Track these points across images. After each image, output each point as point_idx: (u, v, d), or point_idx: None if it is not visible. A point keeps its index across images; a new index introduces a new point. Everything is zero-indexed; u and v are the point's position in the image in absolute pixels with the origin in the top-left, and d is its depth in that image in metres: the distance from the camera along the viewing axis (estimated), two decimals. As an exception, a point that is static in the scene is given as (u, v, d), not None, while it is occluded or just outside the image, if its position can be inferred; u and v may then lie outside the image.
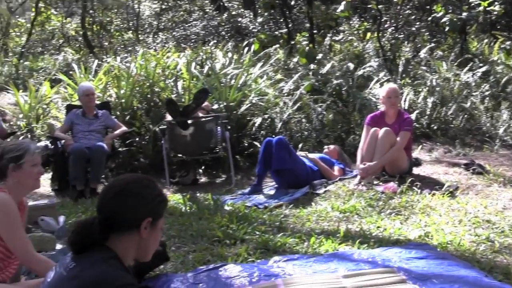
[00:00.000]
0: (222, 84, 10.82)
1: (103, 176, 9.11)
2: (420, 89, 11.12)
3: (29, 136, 11.20)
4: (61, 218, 6.43)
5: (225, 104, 10.36)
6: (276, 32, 17.15)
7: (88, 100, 9.12)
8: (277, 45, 14.74)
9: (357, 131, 9.97)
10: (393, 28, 15.54)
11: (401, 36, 15.28)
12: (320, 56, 12.81)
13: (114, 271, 2.40)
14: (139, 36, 22.72)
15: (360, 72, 11.49)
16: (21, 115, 12.16)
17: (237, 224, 6.17)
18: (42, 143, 9.81)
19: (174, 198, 7.73)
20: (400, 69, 11.94)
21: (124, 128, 9.36)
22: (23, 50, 22.10)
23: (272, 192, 8.04)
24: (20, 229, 3.86)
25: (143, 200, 2.61)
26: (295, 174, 7.97)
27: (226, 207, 7.14)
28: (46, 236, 5.66)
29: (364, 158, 7.95)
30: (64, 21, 23.69)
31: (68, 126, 9.25)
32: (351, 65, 11.91)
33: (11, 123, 12.34)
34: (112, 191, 2.65)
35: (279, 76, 11.86)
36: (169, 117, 9.24)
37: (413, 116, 9.45)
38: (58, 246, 5.63)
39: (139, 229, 2.59)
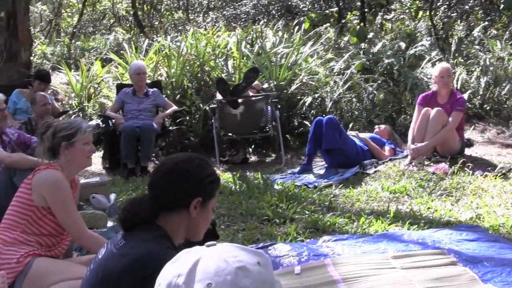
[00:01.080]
0: (272, 63, 10.81)
1: (154, 154, 9.19)
2: (473, 69, 10.92)
3: (80, 115, 11.35)
4: (112, 196, 6.52)
5: (275, 83, 10.35)
6: (327, 11, 17.04)
7: (139, 78, 9.16)
8: (328, 24, 14.64)
9: (408, 111, 9.88)
10: (445, 6, 15.29)
11: (454, 14, 15.02)
12: (371, 35, 12.68)
13: (163, 250, 2.41)
14: (189, 15, 22.75)
15: (411, 51, 11.34)
16: (73, 94, 12.33)
17: (286, 203, 6.19)
18: (93, 122, 9.92)
19: (224, 176, 7.76)
20: (453, 48, 11.74)
21: (174, 107, 9.42)
22: (74, 30, 22.34)
23: (322, 171, 8.03)
24: (72, 207, 3.92)
25: (193, 179, 2.60)
26: (345, 154, 7.95)
27: (276, 186, 7.17)
28: (98, 213, 5.76)
29: (415, 138, 7.87)
30: (115, 1, 23.83)
31: (119, 105, 9.34)
32: (403, 44, 11.76)
33: (63, 102, 12.52)
34: (163, 170, 2.66)
35: (329, 55, 11.78)
36: (219, 96, 9.27)
37: (465, 96, 9.29)
38: (109, 224, 5.73)
39: (189, 208, 2.59)
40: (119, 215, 2.67)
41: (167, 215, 2.59)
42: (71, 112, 11.39)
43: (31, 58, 14.79)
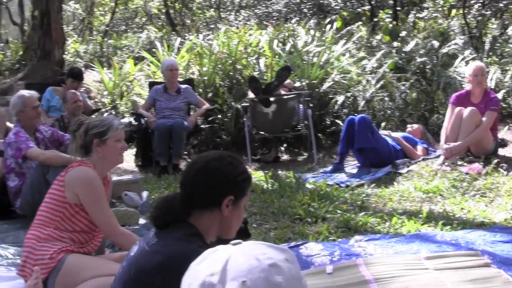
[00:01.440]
0: (304, 62, 10.80)
1: (186, 152, 9.21)
2: (507, 68, 10.79)
3: (113, 112, 11.42)
4: (144, 194, 6.56)
5: (307, 81, 10.33)
6: (359, 9, 16.96)
7: (172, 75, 9.16)
8: (360, 22, 14.57)
9: (441, 110, 9.78)
10: (479, 4, 15.12)
11: (488, 12, 14.83)
12: (403, 33, 12.59)
13: (194, 248, 2.39)
14: (221, 13, 22.78)
15: (444, 50, 11.24)
16: (105, 92, 12.42)
17: (318, 202, 6.17)
18: (125, 120, 9.99)
19: (256, 175, 7.76)
20: (487, 47, 11.60)
21: (207, 105, 9.43)
22: (107, 28, 22.51)
23: (354, 171, 8.01)
24: (104, 203, 3.94)
25: (225, 178, 2.60)
26: (378, 153, 7.91)
27: (308, 185, 7.14)
28: (130, 210, 5.80)
29: (448, 138, 7.82)
30: (147, -1, 23.96)
31: (150, 103, 9.36)
32: (436, 43, 11.66)
33: (96, 100, 12.61)
34: (194, 168, 2.66)
35: (361, 54, 11.72)
36: (251, 95, 9.27)
37: (499, 95, 9.18)
38: (141, 221, 5.76)
39: (221, 206, 2.58)
40: (151, 213, 2.68)
41: (199, 214, 2.58)
42: (103, 110, 11.47)
43: (64, 56, 14.95)
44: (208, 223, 2.60)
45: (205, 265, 1.52)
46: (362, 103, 10.05)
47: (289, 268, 1.49)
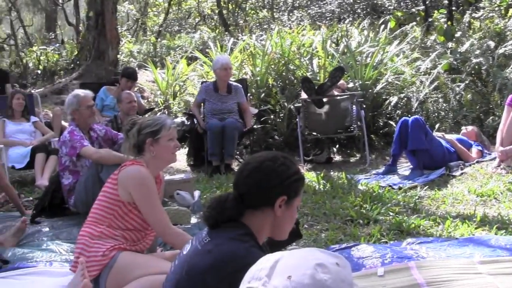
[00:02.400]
0: (357, 63, 10.74)
1: (238, 153, 9.22)
2: None
3: (166, 112, 11.51)
4: (196, 193, 6.58)
5: (360, 82, 10.28)
6: (413, 9, 16.80)
7: (225, 74, 9.01)
8: (414, 23, 14.44)
9: (497, 112, 9.63)
10: (537, 4, 14.85)
11: (546, 12, 14.56)
12: (458, 34, 12.42)
13: (247, 248, 2.41)
14: (274, 14, 22.81)
15: (501, 51, 11.04)
16: (158, 92, 12.54)
17: (370, 204, 6.12)
18: (178, 119, 10.06)
19: (308, 176, 7.73)
20: (545, 47, 11.40)
21: (252, 110, 9.39)
22: (160, 29, 22.74)
23: (407, 172, 7.92)
24: (157, 202, 3.96)
25: (278, 178, 2.58)
26: (431, 155, 7.82)
27: (360, 187, 7.11)
28: (182, 209, 5.82)
29: (504, 141, 7.67)
30: (200, 0, 24.08)
31: (200, 102, 9.31)
32: (492, 43, 11.46)
33: (149, 99, 12.73)
34: (248, 168, 2.64)
35: (415, 55, 11.62)
36: (304, 95, 9.26)
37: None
38: (193, 220, 5.78)
39: (274, 207, 2.58)
40: (204, 213, 2.68)
41: (252, 214, 2.58)
42: (156, 109, 11.59)
43: (118, 56, 15.14)
44: (260, 223, 2.59)
45: (258, 262, 1.58)
46: (415, 104, 9.96)
47: (338, 270, 1.51)
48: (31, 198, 7.52)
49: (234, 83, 9.28)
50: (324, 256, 1.53)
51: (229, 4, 23.80)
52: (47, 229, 5.88)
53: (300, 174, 2.69)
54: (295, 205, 2.67)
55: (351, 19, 17.66)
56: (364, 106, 9.51)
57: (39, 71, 17.36)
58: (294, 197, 2.64)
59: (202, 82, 10.09)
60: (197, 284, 2.45)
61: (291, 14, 21.79)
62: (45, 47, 19.40)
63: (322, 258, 1.51)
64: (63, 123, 9.35)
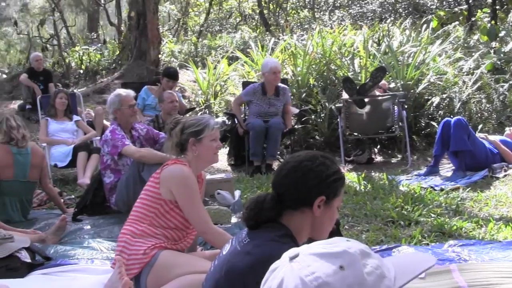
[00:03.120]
0: (399, 62, 10.65)
1: (279, 153, 9.21)
2: None
3: (207, 112, 11.54)
4: (237, 193, 6.59)
5: (402, 82, 10.20)
6: (456, 9, 16.64)
7: (274, 78, 8.90)
8: (457, 22, 14.30)
9: (543, 113, 9.51)
10: None
11: None
12: (502, 33, 12.27)
13: (286, 249, 2.38)
14: (315, 13, 22.74)
15: (546, 50, 10.92)
16: (199, 92, 12.57)
17: (412, 205, 6.07)
18: (219, 119, 10.08)
19: (349, 176, 7.71)
20: None
21: (292, 111, 9.36)
22: (201, 28, 22.80)
23: (449, 174, 7.86)
24: (198, 202, 3.97)
25: (316, 178, 2.55)
26: (474, 156, 7.73)
27: (401, 188, 7.07)
28: (222, 209, 5.83)
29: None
30: (241, 0, 24.12)
31: (243, 101, 9.34)
32: (537, 43, 11.34)
33: (190, 99, 12.78)
34: (286, 168, 2.62)
35: (458, 55, 11.49)
36: (345, 95, 9.23)
37: None
38: (233, 220, 5.79)
39: (312, 207, 2.54)
40: (243, 214, 2.66)
41: (291, 214, 2.55)
42: (197, 109, 11.63)
43: (160, 56, 15.21)
44: (300, 224, 2.56)
45: (270, 280, 1.57)
46: (458, 104, 9.85)
47: (341, 278, 1.48)
48: (73, 196, 7.62)
49: (282, 85, 9.19)
50: (324, 265, 1.50)
51: (270, 4, 23.80)
52: (88, 227, 5.96)
53: (339, 174, 2.64)
54: (335, 205, 2.63)
55: (392, 18, 17.55)
56: (406, 106, 9.44)
57: (81, 71, 17.52)
58: (333, 197, 2.60)
59: (243, 82, 10.08)
60: (235, 285, 2.44)
61: (332, 13, 21.72)
62: (87, 47, 19.58)
63: (321, 271, 1.49)
64: (105, 122, 9.44)
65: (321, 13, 22.98)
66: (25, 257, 4.64)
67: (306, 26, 19.97)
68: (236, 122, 9.12)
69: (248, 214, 2.58)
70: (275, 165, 8.60)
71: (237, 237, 2.64)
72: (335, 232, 4.65)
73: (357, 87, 9.07)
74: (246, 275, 2.40)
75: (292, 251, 1.60)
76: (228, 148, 9.71)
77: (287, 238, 2.49)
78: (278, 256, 1.67)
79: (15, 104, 13.94)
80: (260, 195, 2.67)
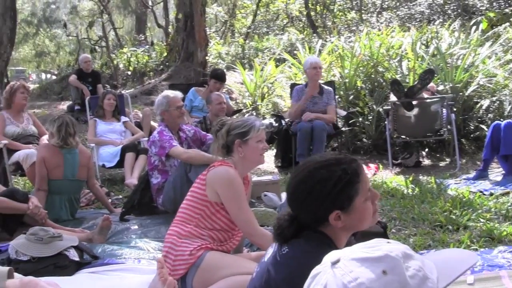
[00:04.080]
0: (448, 65, 10.54)
1: (325, 154, 9.15)
2: None
3: (254, 114, 11.56)
4: (284, 195, 6.57)
5: (451, 85, 10.08)
6: (506, 10, 16.39)
7: (315, 73, 8.87)
8: (507, 24, 14.07)
9: None
10: None
11: None
12: (555, 34, 12.07)
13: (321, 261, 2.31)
14: (363, 15, 22.63)
15: None
16: (246, 93, 12.60)
17: (460, 209, 6.00)
18: (266, 121, 10.08)
19: (396, 180, 7.65)
20: None
21: (339, 113, 9.31)
22: (248, 30, 22.86)
23: (499, 178, 7.73)
24: (244, 203, 3.96)
25: (318, 199, 2.38)
26: (525, 161, 7.61)
27: (450, 192, 6.98)
28: (269, 211, 5.82)
29: None
30: (288, 1, 24.11)
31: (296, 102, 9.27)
32: None
33: (237, 101, 12.81)
34: (288, 192, 2.50)
35: (509, 56, 11.30)
36: (393, 98, 9.16)
37: None
38: (280, 222, 5.75)
39: (329, 222, 2.39)
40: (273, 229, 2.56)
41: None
42: (244, 110, 11.65)
43: (207, 57, 15.30)
44: (331, 231, 2.44)
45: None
46: (508, 107, 9.72)
47: (385, 283, 1.45)
48: (120, 197, 7.69)
49: (327, 87, 9.18)
50: (366, 271, 1.46)
51: (317, 6, 23.75)
52: (135, 227, 6.00)
53: (345, 178, 2.39)
54: (359, 206, 2.42)
55: (441, 20, 17.35)
56: (455, 109, 9.34)
57: (129, 72, 17.73)
58: (349, 203, 2.41)
59: (291, 85, 10.06)
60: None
61: (379, 15, 21.58)
62: (135, 48, 19.80)
63: (364, 277, 1.45)
64: (153, 123, 9.51)
65: (369, 15, 22.85)
66: (74, 255, 4.71)
67: (353, 28, 19.90)
68: (284, 123, 9.12)
69: (275, 233, 2.51)
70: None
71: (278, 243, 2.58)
72: (382, 235, 4.61)
73: (405, 90, 9.00)
74: (281, 287, 2.38)
75: (334, 255, 1.57)
76: (275, 150, 9.71)
77: (324, 247, 2.38)
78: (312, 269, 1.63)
79: (64, 105, 14.17)
80: (280, 216, 2.59)
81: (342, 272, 1.50)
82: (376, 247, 1.55)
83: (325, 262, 1.58)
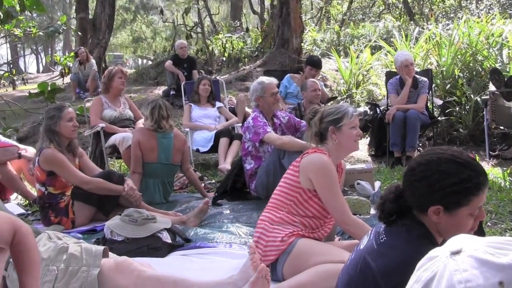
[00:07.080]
0: (552, 54, 10.20)
1: (420, 144, 9.02)
2: None
3: (348, 101, 11.48)
4: (377, 184, 6.52)
5: (553, 75, 9.74)
6: None
7: (408, 70, 8.68)
8: None
9: None
10: None
11: None
12: None
13: (423, 254, 2.25)
14: (462, 2, 22.11)
15: None
16: (341, 81, 12.51)
17: (562, 203, 5.79)
18: (361, 109, 9.99)
19: (493, 172, 7.45)
20: None
21: (435, 102, 9.13)
22: (344, 17, 22.69)
23: None
24: (338, 191, 3.93)
25: (429, 187, 2.36)
26: None
27: (551, 185, 6.74)
28: (362, 199, 5.76)
29: None
30: (386, -13, 23.87)
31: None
32: None
33: (332, 88, 12.74)
34: (409, 167, 2.49)
35: None
36: (492, 87, 8.93)
37: None
38: (372, 211, 5.71)
39: (427, 213, 2.37)
40: (376, 209, 2.58)
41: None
42: (339, 98, 11.57)
43: (302, 44, 15.25)
44: (429, 223, 2.41)
45: (419, 271, 1.46)
46: None
47: None
48: (213, 181, 7.77)
49: (422, 78, 8.88)
50: (483, 276, 1.31)
51: (415, -7, 23.38)
52: (228, 211, 6.04)
53: (463, 185, 2.34)
54: (464, 214, 2.37)
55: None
56: (557, 100, 9.01)
57: (224, 58, 17.87)
58: (456, 207, 2.36)
59: (387, 73, 9.91)
60: (369, 285, 2.40)
61: (479, 2, 21.04)
62: (230, 35, 19.95)
63: (477, 283, 1.31)
64: (247, 109, 9.55)
65: (468, 1, 22.32)
66: (166, 237, 4.79)
67: (451, 15, 19.49)
68: (379, 112, 9.01)
69: (378, 203, 2.52)
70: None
71: (375, 230, 2.57)
72: (478, 229, 4.48)
73: (505, 79, 8.75)
74: (379, 277, 2.34)
75: (456, 244, 1.44)
76: (369, 139, 9.61)
77: (423, 239, 2.36)
78: (411, 263, 1.57)
79: (159, 90, 14.41)
80: (389, 187, 2.58)
81: (456, 267, 1.37)
82: (506, 250, 1.37)
83: (445, 247, 1.46)
